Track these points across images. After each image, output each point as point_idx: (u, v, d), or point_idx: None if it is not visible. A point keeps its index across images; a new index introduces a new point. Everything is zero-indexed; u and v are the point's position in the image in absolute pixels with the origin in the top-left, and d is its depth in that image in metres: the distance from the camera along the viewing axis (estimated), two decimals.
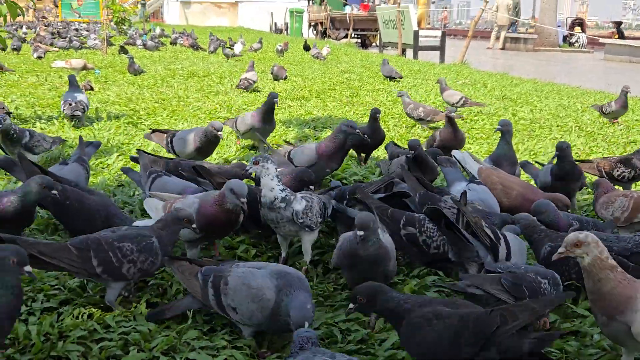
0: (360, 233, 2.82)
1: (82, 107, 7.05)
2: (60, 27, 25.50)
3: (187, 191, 3.65)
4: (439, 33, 21.32)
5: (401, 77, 12.52)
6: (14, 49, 15.94)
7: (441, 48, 19.86)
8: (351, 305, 2.48)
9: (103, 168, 5.44)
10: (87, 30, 25.05)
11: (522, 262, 3.07)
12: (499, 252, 3.01)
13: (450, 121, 5.70)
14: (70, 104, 6.99)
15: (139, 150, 4.38)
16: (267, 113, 5.97)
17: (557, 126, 7.96)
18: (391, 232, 3.23)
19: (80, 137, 4.76)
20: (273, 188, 3.31)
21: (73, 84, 7.34)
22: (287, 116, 8.22)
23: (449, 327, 2.26)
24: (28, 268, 2.30)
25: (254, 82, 10.41)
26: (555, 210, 3.51)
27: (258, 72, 13.28)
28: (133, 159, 4.61)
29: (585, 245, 2.33)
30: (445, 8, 35.92)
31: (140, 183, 4.13)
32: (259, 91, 10.43)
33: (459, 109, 8.30)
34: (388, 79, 12.40)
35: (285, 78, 11.93)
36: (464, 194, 3.37)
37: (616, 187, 4.43)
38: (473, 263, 3.09)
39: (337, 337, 2.76)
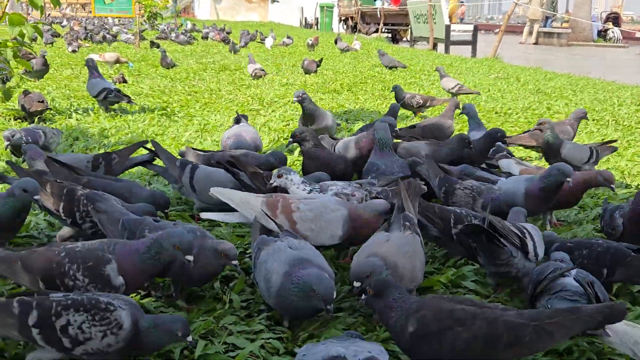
0: (357, 285, 2.56)
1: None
2: (94, 23, 25.82)
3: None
4: (470, 27, 21.11)
5: (405, 67, 12.72)
6: (47, 43, 16.19)
7: (473, 42, 19.69)
8: (356, 284, 2.44)
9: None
10: (120, 24, 25.33)
11: (542, 252, 3.02)
12: (529, 248, 2.93)
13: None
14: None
15: (154, 142, 4.30)
16: (305, 116, 5.71)
17: (593, 120, 7.82)
18: (441, 230, 3.19)
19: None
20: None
21: (97, 70, 7.55)
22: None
23: (476, 335, 2.10)
24: None
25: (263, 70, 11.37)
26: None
27: (289, 66, 13.35)
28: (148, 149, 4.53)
29: None
30: (463, 3, 35.39)
31: (166, 173, 4.16)
32: (291, 84, 10.43)
33: (455, 95, 8.51)
34: (389, 68, 12.77)
35: (315, 71, 11.92)
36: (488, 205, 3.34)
37: None
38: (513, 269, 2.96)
39: (375, 326, 2.74)
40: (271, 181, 3.47)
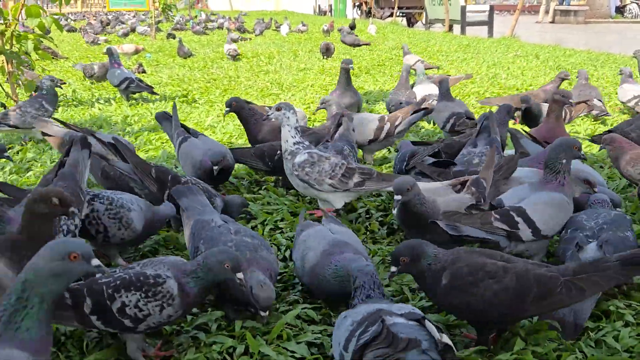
0: (398, 197, 2.78)
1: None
2: (110, 17, 25.95)
3: None
4: (486, 7, 20.89)
5: (368, 44, 12.87)
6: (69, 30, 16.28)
7: (489, 23, 19.48)
8: (393, 269, 2.27)
9: (163, 143, 5.53)
10: (133, 17, 25.43)
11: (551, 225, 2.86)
12: (522, 235, 2.79)
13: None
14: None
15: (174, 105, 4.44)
16: (346, 83, 5.78)
17: (617, 94, 7.72)
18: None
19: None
20: (287, 140, 3.44)
21: (117, 59, 7.63)
22: None
23: (507, 287, 2.13)
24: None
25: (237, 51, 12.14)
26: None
27: (306, 51, 13.33)
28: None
29: None
30: None
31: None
32: (309, 69, 10.42)
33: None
34: (353, 47, 13.24)
35: (332, 54, 11.95)
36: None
37: None
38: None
39: (408, 294, 2.75)
40: (268, 113, 3.47)
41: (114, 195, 2.98)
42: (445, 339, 1.88)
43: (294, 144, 3.43)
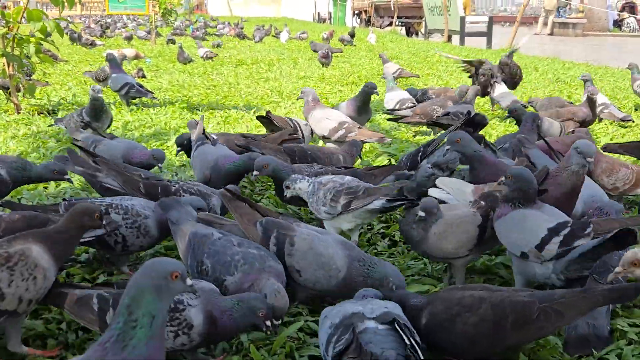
0: (422, 214, 2.81)
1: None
2: (109, 20, 25.97)
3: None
4: (486, 19, 20.97)
5: (340, 52, 13.38)
6: (72, 40, 16.25)
7: (488, 34, 19.55)
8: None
9: (164, 150, 5.51)
10: (134, 21, 25.47)
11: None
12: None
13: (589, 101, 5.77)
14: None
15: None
16: (364, 104, 5.72)
17: (627, 109, 7.76)
18: None
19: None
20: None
21: (118, 65, 7.69)
22: (339, 100, 8.19)
23: (483, 318, 2.09)
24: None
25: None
26: None
27: (306, 59, 13.35)
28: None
29: None
30: None
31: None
32: (308, 77, 10.44)
33: (397, 79, 8.81)
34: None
35: (330, 62, 11.99)
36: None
37: None
38: None
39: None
40: (285, 194, 3.38)
41: (126, 203, 2.98)
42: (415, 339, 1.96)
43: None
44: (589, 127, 5.84)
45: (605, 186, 3.79)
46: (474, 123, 4.50)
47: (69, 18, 27.69)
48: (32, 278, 2.22)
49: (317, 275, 2.62)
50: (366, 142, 4.98)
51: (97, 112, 5.51)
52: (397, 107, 6.53)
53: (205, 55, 13.02)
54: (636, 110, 7.72)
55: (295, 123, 5.25)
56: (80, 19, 29.46)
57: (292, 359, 2.37)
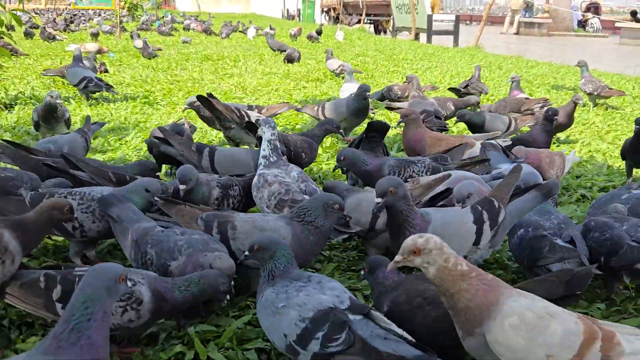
0: (378, 200, 2.60)
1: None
2: (73, 14, 25.59)
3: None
4: (452, 17, 21.16)
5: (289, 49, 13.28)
6: (26, 34, 15.93)
7: (455, 32, 19.72)
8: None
9: (122, 144, 5.46)
10: (98, 15, 25.14)
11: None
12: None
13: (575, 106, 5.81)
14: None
15: (161, 128, 4.24)
16: (360, 105, 5.59)
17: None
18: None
19: (88, 116, 4.95)
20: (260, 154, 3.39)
21: (81, 60, 7.59)
22: (302, 97, 8.21)
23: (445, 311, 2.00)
24: None
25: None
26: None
27: (272, 55, 13.30)
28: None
29: (425, 253, 1.86)
30: None
31: (183, 159, 3.96)
32: (274, 73, 10.41)
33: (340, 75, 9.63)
34: (278, 51, 13.69)
35: (299, 60, 11.96)
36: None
37: None
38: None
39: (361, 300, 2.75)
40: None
41: (85, 190, 2.97)
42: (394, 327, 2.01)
43: (261, 157, 3.33)
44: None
45: (549, 177, 3.92)
46: (377, 129, 4.36)
47: (33, 11, 27.24)
48: (1, 262, 2.27)
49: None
50: (277, 114, 5.37)
51: (47, 116, 5.26)
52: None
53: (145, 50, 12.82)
54: (583, 106, 7.87)
55: (244, 113, 5.08)
56: (47, 12, 28.95)
57: (242, 352, 2.35)
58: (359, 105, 5.56)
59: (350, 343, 1.94)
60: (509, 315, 1.79)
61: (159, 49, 13.34)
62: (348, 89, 7.04)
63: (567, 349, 1.75)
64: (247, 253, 2.25)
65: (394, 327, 2.01)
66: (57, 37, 15.53)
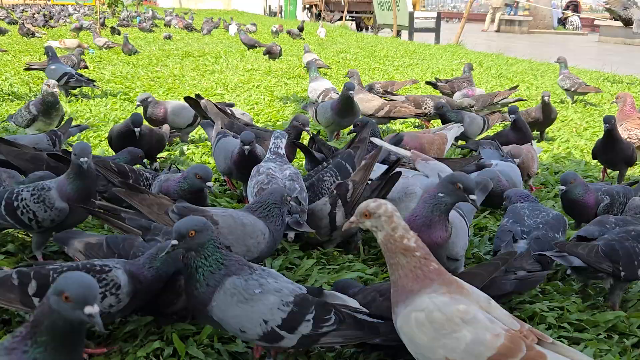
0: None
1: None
2: (54, 10, 25.33)
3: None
4: (434, 14, 21.22)
5: (265, 46, 13.25)
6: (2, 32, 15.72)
7: (436, 29, 19.80)
8: None
9: (101, 141, 5.42)
10: (79, 11, 24.90)
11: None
12: None
13: (544, 103, 5.81)
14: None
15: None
16: (345, 105, 5.42)
17: (554, 102, 7.95)
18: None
19: (70, 119, 4.91)
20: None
21: (55, 56, 7.58)
22: (284, 93, 8.20)
23: None
24: None
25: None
26: (583, 183, 3.48)
27: (253, 52, 13.27)
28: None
29: (375, 217, 1.95)
30: None
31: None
32: (255, 70, 10.39)
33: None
34: (248, 47, 13.82)
35: (280, 55, 11.97)
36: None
37: None
38: None
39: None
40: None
41: (39, 181, 3.00)
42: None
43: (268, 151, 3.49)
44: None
45: (532, 173, 4.00)
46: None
47: (12, 7, 26.93)
48: None
49: (248, 244, 2.65)
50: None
51: (48, 107, 5.16)
52: (320, 99, 6.69)
53: (105, 46, 13.01)
54: (562, 103, 7.96)
55: (230, 111, 5.18)
56: (27, 7, 28.62)
57: (221, 346, 2.35)
58: (343, 106, 5.41)
59: (341, 320, 2.05)
60: (417, 309, 1.82)
61: (115, 45, 13.21)
62: (315, 89, 6.92)
63: (472, 357, 1.74)
64: (174, 242, 2.01)
65: (351, 302, 2.17)
66: (36, 33, 15.35)
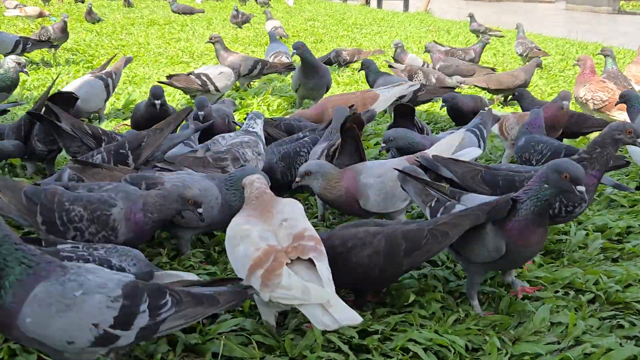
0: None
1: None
2: None
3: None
4: None
5: (202, 12, 13.83)
6: None
7: None
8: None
9: None
10: None
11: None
12: None
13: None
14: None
15: None
16: (306, 66, 5.35)
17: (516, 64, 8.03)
18: None
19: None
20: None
21: None
22: None
23: (377, 249, 2.24)
24: None
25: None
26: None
27: (220, 20, 13.09)
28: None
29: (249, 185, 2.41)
30: None
31: None
32: (222, 38, 10.23)
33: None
34: (183, 14, 13.86)
35: (249, 22, 11.84)
36: None
37: None
38: None
39: None
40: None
41: None
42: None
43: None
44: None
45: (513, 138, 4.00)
46: (404, 114, 4.05)
47: None
48: None
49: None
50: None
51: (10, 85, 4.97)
52: (270, 58, 7.18)
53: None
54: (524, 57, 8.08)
55: (204, 78, 5.17)
56: None
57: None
58: (304, 66, 5.34)
59: (179, 301, 1.85)
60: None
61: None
62: (268, 52, 7.43)
63: (243, 265, 2.09)
64: None
65: (186, 276, 2.21)
66: None
